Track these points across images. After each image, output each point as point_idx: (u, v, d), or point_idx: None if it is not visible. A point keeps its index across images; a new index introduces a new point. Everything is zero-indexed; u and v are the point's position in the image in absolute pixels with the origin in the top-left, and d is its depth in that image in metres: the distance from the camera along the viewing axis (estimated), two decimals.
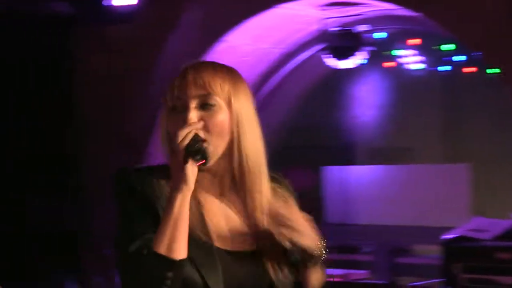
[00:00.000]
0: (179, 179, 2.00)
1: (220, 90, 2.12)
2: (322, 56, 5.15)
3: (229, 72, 2.16)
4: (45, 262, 5.25)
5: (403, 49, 6.08)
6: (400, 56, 6.11)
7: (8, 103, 5.23)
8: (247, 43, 5.29)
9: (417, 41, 6.04)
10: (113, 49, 5.21)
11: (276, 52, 5.52)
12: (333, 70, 5.21)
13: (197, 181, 2.05)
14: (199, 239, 2.09)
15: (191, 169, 1.98)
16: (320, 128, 5.73)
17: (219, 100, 2.11)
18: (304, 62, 5.62)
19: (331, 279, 4.80)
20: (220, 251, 2.17)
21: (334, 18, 5.10)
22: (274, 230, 2.12)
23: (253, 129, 2.14)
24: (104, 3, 4.92)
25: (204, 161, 1.98)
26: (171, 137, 2.09)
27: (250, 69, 5.48)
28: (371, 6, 5.09)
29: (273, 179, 2.25)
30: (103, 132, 5.26)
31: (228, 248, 2.19)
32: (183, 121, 2.07)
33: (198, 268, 2.08)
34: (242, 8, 5.05)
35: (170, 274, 2.04)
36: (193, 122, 2.07)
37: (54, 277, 5.09)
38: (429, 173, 5.51)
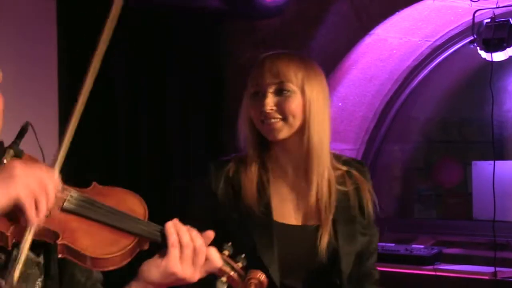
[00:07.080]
0: None
1: (294, 77, 2.38)
2: (473, 48, 5.04)
3: (303, 62, 2.48)
4: None
5: None
6: None
7: (165, 97, 5.38)
8: (397, 36, 5.25)
9: None
10: (262, 44, 5.29)
11: (426, 45, 5.45)
12: (485, 63, 5.09)
13: (268, 165, 2.39)
14: (260, 216, 2.33)
15: None
16: (470, 122, 5.62)
17: (293, 86, 2.38)
18: (455, 54, 5.53)
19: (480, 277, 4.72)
20: (280, 225, 2.43)
21: (486, 9, 4.99)
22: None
23: (322, 115, 2.40)
24: None
25: None
26: (252, 121, 2.42)
27: (399, 62, 5.43)
28: None
29: (346, 163, 2.46)
30: None
31: (290, 222, 2.38)
32: (262, 106, 2.37)
33: (256, 247, 2.32)
34: (392, 1, 5.02)
35: None
36: (270, 108, 2.37)
37: None
38: None
